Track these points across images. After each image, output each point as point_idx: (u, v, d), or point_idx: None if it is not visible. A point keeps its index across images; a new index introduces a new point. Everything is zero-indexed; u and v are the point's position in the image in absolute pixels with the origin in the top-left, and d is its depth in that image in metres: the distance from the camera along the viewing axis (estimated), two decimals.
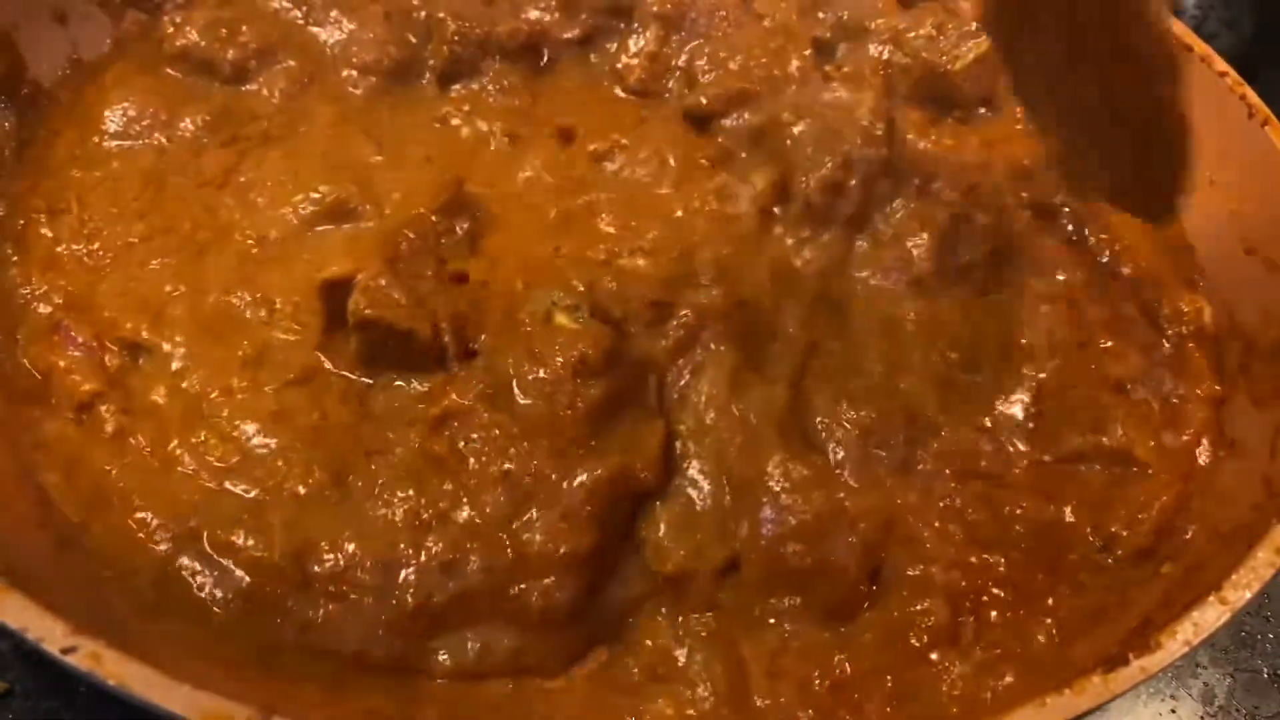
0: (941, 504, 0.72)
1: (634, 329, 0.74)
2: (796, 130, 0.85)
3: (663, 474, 0.69)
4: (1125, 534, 0.71)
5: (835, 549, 0.67)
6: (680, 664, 0.65)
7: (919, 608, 0.67)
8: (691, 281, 0.77)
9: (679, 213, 0.83)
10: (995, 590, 0.69)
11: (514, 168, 0.85)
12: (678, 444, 0.71)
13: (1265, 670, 0.81)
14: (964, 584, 0.68)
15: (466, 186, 0.79)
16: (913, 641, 0.66)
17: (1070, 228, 0.87)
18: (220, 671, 0.58)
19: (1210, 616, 0.59)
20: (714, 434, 0.71)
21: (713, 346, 0.75)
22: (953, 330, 0.79)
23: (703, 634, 0.66)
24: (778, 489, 0.68)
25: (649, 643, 0.66)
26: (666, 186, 0.85)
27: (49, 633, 0.51)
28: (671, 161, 0.86)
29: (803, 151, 0.84)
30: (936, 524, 0.70)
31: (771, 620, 0.67)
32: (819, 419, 0.73)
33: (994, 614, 0.68)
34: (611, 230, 0.81)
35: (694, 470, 0.70)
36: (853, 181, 0.83)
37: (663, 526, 0.68)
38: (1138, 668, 0.57)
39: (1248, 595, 0.60)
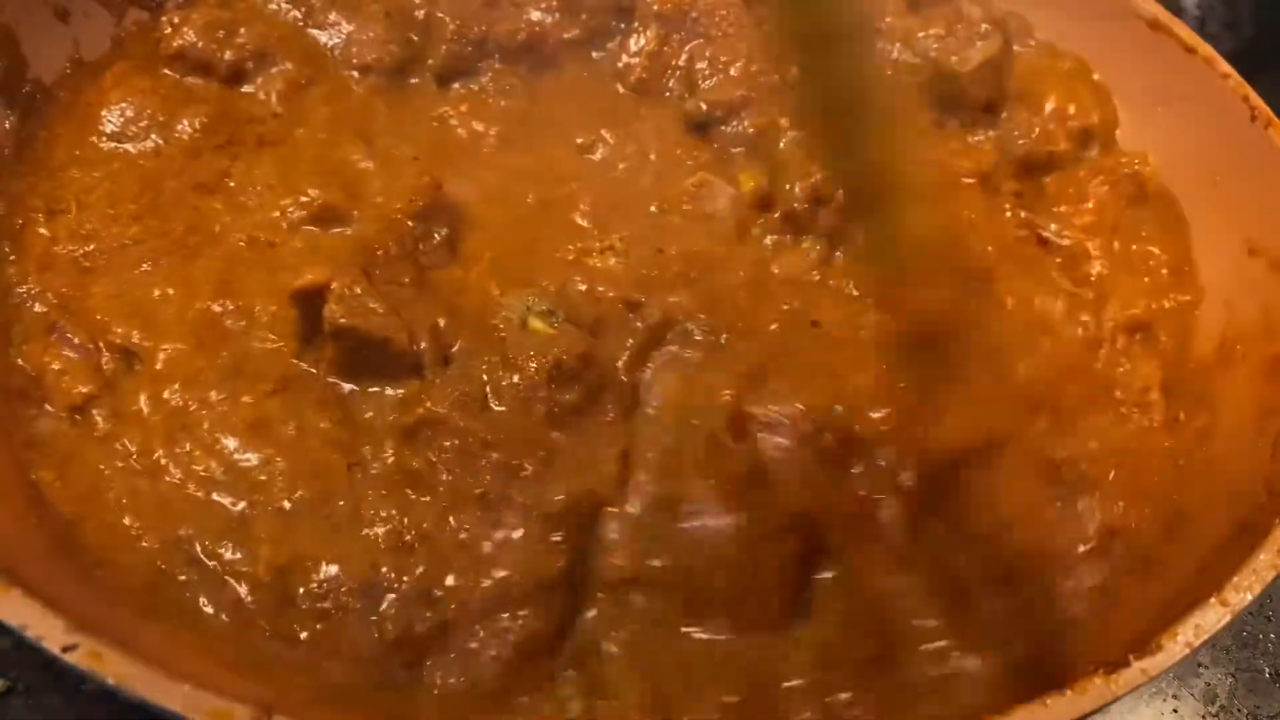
0: (886, 514, 0.71)
1: (608, 332, 0.74)
2: (789, 137, 0.85)
3: (620, 483, 0.69)
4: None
5: (764, 563, 0.67)
6: (603, 670, 0.65)
7: (860, 616, 0.67)
8: (663, 280, 0.77)
9: (654, 208, 0.83)
10: (957, 604, 0.68)
11: (500, 166, 0.85)
12: (631, 449, 0.71)
13: (1267, 670, 0.81)
14: (913, 594, 0.68)
15: (449, 188, 0.79)
16: (857, 653, 0.66)
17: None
18: (218, 671, 0.58)
19: (1211, 618, 0.59)
20: (661, 440, 0.71)
21: (675, 349, 0.75)
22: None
23: (628, 642, 0.66)
24: (707, 499, 0.68)
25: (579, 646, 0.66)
26: (645, 182, 0.85)
27: (49, 630, 0.51)
28: (653, 157, 0.87)
29: (793, 158, 0.84)
30: (887, 532, 0.70)
31: (696, 632, 0.66)
32: (761, 423, 0.72)
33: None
34: (585, 224, 0.81)
35: (643, 476, 0.70)
36: (839, 193, 0.82)
37: (610, 534, 0.68)
38: (1138, 669, 0.56)
39: (1249, 597, 0.59)
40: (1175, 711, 0.79)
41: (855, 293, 0.81)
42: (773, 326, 0.78)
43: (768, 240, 0.84)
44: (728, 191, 0.85)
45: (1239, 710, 0.79)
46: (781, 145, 0.85)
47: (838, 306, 0.80)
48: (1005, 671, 0.65)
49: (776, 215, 0.84)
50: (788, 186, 0.84)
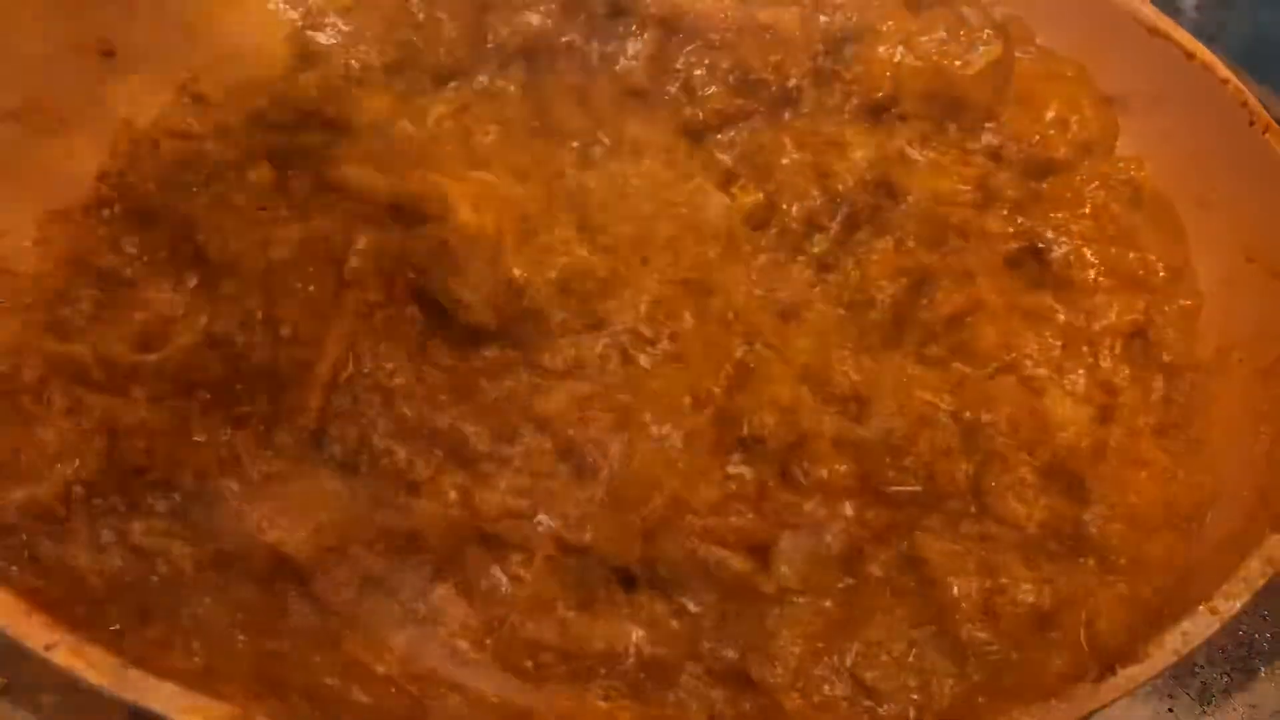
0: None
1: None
2: (791, 157, 0.85)
3: None
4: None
5: None
6: None
7: None
8: (635, 280, 0.78)
9: (645, 209, 0.83)
10: None
11: (490, 167, 0.85)
12: None
13: (1263, 669, 0.81)
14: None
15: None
16: None
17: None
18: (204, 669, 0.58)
19: (1200, 626, 0.59)
20: None
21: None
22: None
23: None
24: None
25: None
26: (637, 186, 0.85)
27: (31, 630, 0.51)
28: (646, 161, 0.86)
29: (792, 178, 0.84)
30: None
31: None
32: None
33: None
34: (568, 222, 0.81)
35: None
36: (835, 219, 0.83)
37: None
38: (1125, 677, 0.57)
39: (1238, 605, 0.60)
40: (1170, 710, 0.79)
41: (840, 313, 0.81)
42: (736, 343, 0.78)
43: (759, 262, 0.83)
44: (721, 201, 0.84)
45: (1235, 709, 0.79)
46: (785, 163, 0.85)
47: (817, 321, 0.80)
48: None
49: (772, 234, 0.84)
50: (785, 206, 0.83)
